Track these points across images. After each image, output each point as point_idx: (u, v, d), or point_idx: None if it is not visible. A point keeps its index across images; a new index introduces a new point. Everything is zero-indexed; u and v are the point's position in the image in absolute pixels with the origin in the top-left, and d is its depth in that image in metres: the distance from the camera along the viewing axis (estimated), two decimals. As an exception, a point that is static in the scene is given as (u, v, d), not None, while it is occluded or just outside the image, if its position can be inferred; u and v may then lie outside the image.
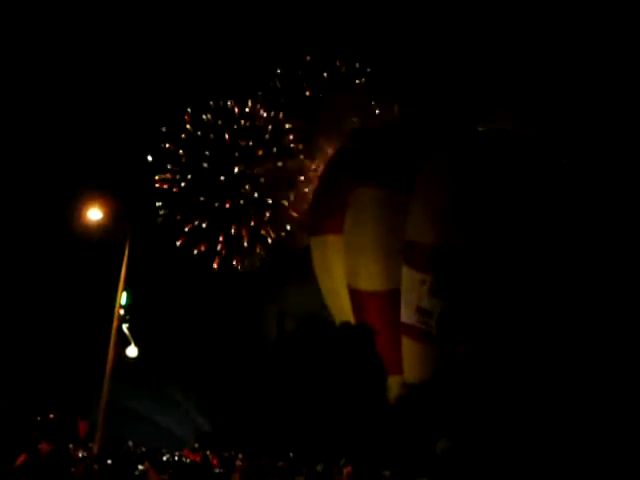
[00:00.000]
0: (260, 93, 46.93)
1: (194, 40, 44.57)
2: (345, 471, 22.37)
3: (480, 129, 32.33)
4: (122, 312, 20.05)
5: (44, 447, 13.20)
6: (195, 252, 45.07)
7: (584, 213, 27.78)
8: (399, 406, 26.05)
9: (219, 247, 45.27)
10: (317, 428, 26.21)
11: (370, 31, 44.04)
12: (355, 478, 21.82)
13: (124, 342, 20.54)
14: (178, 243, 44.23)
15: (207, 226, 45.74)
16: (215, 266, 44.78)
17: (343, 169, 32.04)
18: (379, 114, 45.64)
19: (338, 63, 46.43)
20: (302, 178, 45.90)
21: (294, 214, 45.23)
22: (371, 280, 28.87)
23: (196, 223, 45.17)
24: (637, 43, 35.42)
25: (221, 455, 25.97)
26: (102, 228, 20.46)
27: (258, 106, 47.14)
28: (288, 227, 45.30)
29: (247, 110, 46.71)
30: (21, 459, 11.92)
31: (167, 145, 45.07)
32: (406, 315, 28.00)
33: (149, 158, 44.15)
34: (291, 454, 26.20)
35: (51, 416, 28.77)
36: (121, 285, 20.10)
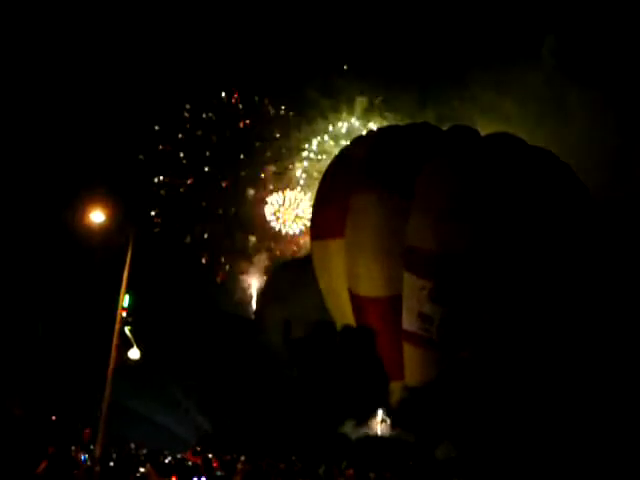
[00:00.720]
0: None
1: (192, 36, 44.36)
2: (347, 474, 22.36)
3: (482, 134, 32.23)
4: (124, 314, 20.09)
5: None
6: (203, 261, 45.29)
7: (586, 219, 27.73)
8: (401, 410, 26.04)
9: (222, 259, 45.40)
10: (319, 431, 26.20)
11: (371, 32, 44.01)
12: (357, 481, 21.81)
13: (126, 344, 20.57)
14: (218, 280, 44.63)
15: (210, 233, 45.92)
16: (219, 280, 44.97)
17: (343, 173, 31.96)
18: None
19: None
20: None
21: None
22: (372, 286, 28.79)
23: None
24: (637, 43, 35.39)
25: (222, 458, 25.95)
26: (105, 230, 20.49)
27: (266, 102, 46.77)
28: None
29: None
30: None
31: (161, 147, 45.01)
32: (407, 322, 27.90)
33: (141, 158, 44.10)
34: (293, 457, 26.16)
35: (53, 418, 28.77)
36: (123, 287, 20.13)
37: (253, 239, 47.01)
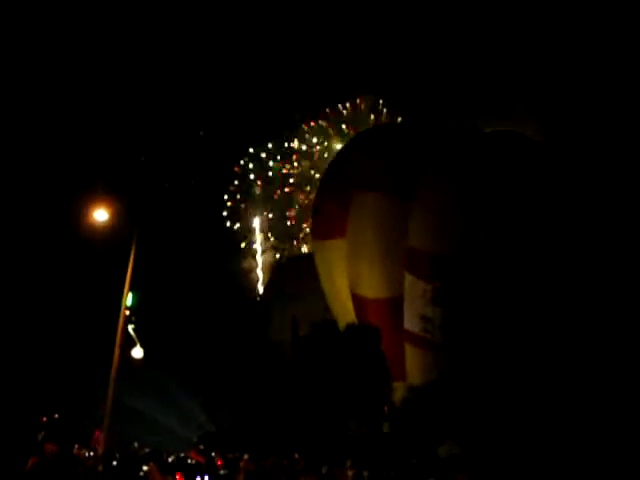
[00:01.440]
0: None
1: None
2: (350, 473, 22.34)
3: (486, 130, 32.00)
4: (128, 313, 20.08)
5: (49, 448, 13.19)
6: None
7: (589, 221, 27.55)
8: (404, 408, 25.99)
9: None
10: (322, 429, 26.18)
11: (372, 33, 44.00)
12: (360, 480, 21.78)
13: (130, 343, 20.58)
14: None
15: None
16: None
17: (345, 172, 31.74)
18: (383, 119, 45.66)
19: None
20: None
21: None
22: (373, 287, 28.62)
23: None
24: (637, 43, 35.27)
25: (226, 456, 25.97)
26: (108, 229, 20.48)
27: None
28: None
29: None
30: (31, 462, 11.91)
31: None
32: (409, 323, 27.76)
33: (143, 157, 44.26)
34: (296, 455, 26.15)
35: (56, 416, 28.80)
36: (127, 286, 20.13)
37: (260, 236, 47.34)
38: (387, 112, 45.95)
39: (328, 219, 31.19)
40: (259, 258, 47.93)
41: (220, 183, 48.25)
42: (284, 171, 47.50)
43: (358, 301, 29.27)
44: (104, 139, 41.65)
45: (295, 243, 46.72)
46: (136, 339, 20.58)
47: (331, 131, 47.11)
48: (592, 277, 26.66)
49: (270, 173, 47.86)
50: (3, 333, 32.75)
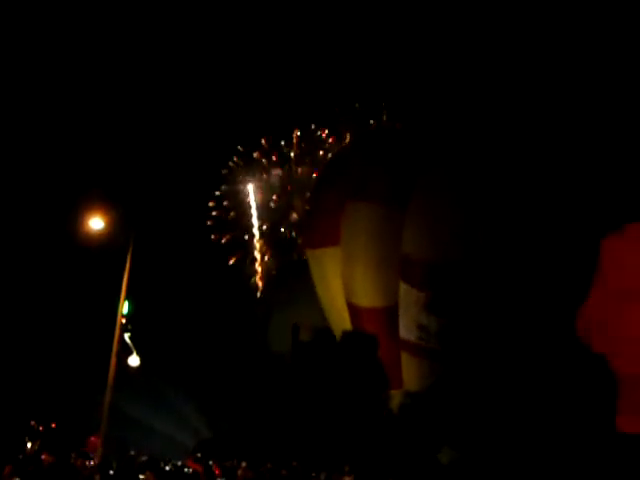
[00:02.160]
0: None
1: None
2: (348, 479, 22.30)
3: (481, 133, 31.73)
4: (124, 321, 20.04)
5: (46, 458, 13.18)
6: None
7: (589, 228, 27.45)
8: (401, 415, 25.97)
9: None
10: (320, 436, 26.13)
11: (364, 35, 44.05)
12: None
13: (126, 351, 20.53)
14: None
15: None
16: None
17: (337, 179, 31.52)
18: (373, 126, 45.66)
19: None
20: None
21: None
22: (367, 296, 28.42)
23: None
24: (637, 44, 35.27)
25: (223, 464, 25.89)
26: (104, 237, 20.46)
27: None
28: None
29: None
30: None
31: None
32: (404, 331, 27.64)
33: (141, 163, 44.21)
34: (294, 462, 26.10)
35: (53, 425, 28.74)
36: (123, 294, 20.09)
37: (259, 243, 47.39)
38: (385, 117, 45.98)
39: (320, 227, 31.01)
40: (257, 265, 47.92)
41: (213, 187, 48.23)
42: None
43: (353, 310, 29.12)
44: (100, 147, 41.63)
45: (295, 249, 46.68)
46: (132, 347, 20.54)
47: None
48: (589, 285, 26.62)
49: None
50: (-1, 341, 32.70)
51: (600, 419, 24.14)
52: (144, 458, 27.17)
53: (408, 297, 27.12)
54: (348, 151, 34.63)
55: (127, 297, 20.07)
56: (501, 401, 24.17)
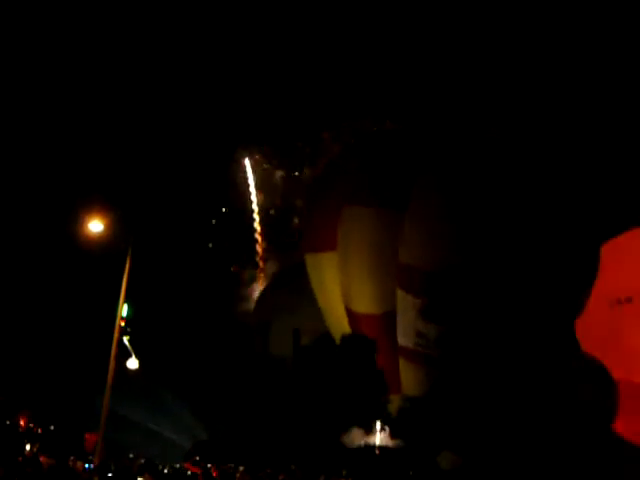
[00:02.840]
0: None
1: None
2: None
3: (480, 136, 31.51)
4: (123, 324, 20.03)
5: (44, 461, 13.17)
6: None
7: (584, 234, 27.42)
8: (399, 420, 25.99)
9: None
10: (319, 440, 26.14)
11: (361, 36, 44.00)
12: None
13: (125, 354, 20.53)
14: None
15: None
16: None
17: (334, 183, 31.38)
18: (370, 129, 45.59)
19: None
20: None
21: None
22: (365, 303, 28.38)
23: None
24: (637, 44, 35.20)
25: (222, 468, 25.86)
26: (104, 240, 20.46)
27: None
28: None
29: None
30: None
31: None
32: (402, 337, 27.62)
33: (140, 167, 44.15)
34: (293, 466, 26.10)
35: (51, 428, 28.70)
36: (122, 297, 20.09)
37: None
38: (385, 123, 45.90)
39: (318, 232, 30.93)
40: (260, 268, 47.87)
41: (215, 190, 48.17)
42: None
43: (351, 315, 29.09)
44: (99, 150, 41.65)
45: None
46: (131, 350, 20.54)
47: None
48: (587, 292, 26.61)
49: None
50: (-2, 343, 32.69)
51: (598, 424, 24.20)
52: (142, 461, 27.15)
53: (405, 303, 27.11)
54: (345, 156, 34.49)
55: (126, 300, 20.06)
56: (499, 406, 24.20)
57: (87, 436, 26.21)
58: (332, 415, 25.46)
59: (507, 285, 25.98)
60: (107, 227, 19.99)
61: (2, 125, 37.56)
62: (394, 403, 26.84)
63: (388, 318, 27.72)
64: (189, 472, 25.50)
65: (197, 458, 31.59)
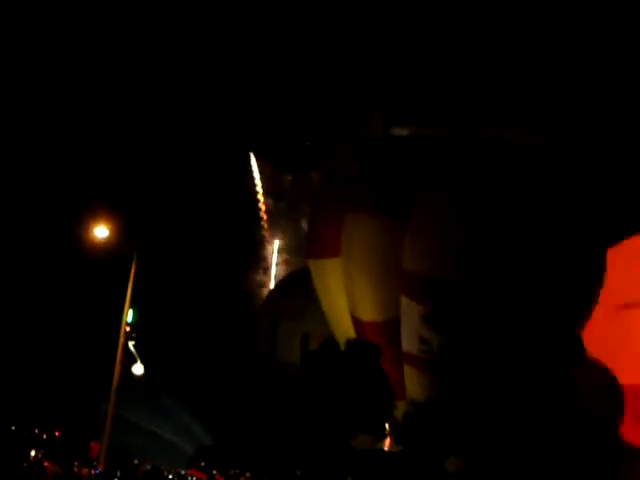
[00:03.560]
0: None
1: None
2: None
3: (482, 139, 31.25)
4: (128, 329, 20.04)
5: (49, 467, 13.16)
6: None
7: (590, 236, 27.26)
8: (405, 425, 25.89)
9: None
10: (324, 446, 26.05)
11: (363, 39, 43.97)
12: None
13: (130, 359, 20.54)
14: None
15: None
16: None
17: (337, 188, 31.19)
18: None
19: None
20: None
21: None
22: (368, 310, 28.19)
23: None
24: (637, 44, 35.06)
25: (227, 474, 25.83)
26: (109, 245, 20.48)
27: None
28: None
29: None
30: None
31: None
32: (406, 344, 27.50)
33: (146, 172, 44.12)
34: (298, 472, 26.03)
35: (57, 434, 28.72)
36: (127, 302, 20.09)
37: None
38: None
39: (321, 237, 30.78)
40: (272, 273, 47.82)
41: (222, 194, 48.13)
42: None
43: (356, 322, 29.01)
44: (105, 155, 41.73)
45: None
46: (136, 355, 20.55)
47: None
48: (593, 299, 26.48)
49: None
50: (3, 348, 32.73)
51: (605, 430, 24.09)
52: (148, 467, 27.17)
53: (409, 310, 26.97)
54: (348, 159, 34.32)
55: (131, 305, 20.07)
56: (504, 411, 24.11)
57: (92, 444, 26.19)
58: (338, 421, 25.37)
59: (512, 291, 25.86)
60: (113, 233, 20.01)
61: (8, 130, 37.70)
62: (400, 409, 26.72)
63: (391, 326, 27.58)
64: (194, 478, 25.50)
65: (202, 464, 31.55)
